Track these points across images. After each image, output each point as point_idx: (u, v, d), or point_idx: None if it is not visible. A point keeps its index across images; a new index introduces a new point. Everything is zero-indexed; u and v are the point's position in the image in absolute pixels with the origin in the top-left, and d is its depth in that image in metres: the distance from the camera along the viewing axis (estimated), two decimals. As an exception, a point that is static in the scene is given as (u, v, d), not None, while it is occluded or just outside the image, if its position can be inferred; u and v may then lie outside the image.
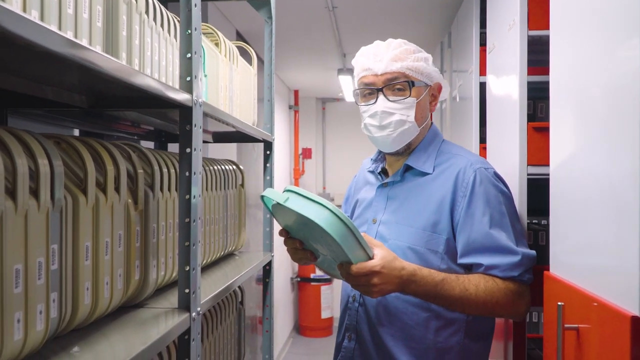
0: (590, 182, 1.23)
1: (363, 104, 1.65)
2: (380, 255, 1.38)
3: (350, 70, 5.14)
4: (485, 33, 2.43)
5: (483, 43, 2.67)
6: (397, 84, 1.60)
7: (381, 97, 1.61)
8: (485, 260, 1.51)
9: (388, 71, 1.59)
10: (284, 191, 1.34)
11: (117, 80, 0.95)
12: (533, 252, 1.54)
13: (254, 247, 3.99)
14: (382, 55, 1.61)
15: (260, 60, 3.39)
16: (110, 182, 1.07)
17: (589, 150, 1.25)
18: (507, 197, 1.59)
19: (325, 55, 4.83)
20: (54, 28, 0.76)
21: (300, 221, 1.33)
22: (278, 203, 1.32)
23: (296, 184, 6.81)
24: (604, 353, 1.12)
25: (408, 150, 1.67)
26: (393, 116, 1.60)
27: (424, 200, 1.60)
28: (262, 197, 1.41)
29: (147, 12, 1.26)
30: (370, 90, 1.63)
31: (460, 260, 1.55)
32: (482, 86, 2.64)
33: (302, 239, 1.44)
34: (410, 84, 1.60)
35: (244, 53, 2.24)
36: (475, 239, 1.52)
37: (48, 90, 1.17)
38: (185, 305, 1.22)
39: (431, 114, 1.72)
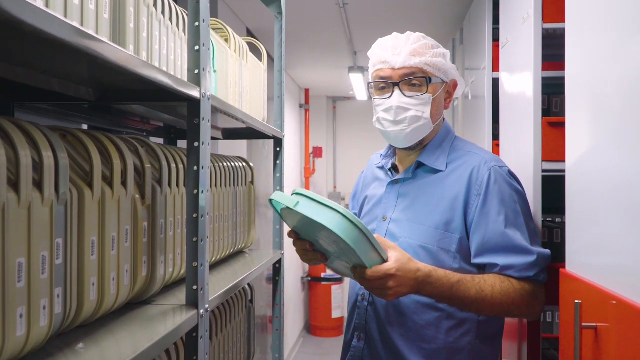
0: (607, 177, 1.19)
1: (377, 97, 1.61)
2: (395, 258, 1.35)
3: (361, 68, 5.11)
4: (498, 29, 2.40)
5: (496, 39, 2.64)
6: (414, 80, 1.55)
7: (397, 91, 1.56)
8: (501, 260, 1.48)
9: (406, 66, 1.55)
10: (292, 194, 1.32)
11: (125, 71, 0.93)
12: (548, 251, 1.51)
13: (263, 245, 3.98)
14: (400, 49, 1.56)
15: (271, 58, 3.37)
16: (116, 176, 1.05)
17: (606, 146, 1.22)
18: (522, 195, 1.55)
19: (336, 53, 4.81)
20: (61, 17, 0.74)
21: (310, 224, 1.30)
22: (287, 207, 1.29)
23: (307, 183, 6.79)
24: (623, 352, 1.09)
25: (420, 146, 1.63)
26: (408, 112, 1.56)
27: (436, 198, 1.56)
28: (271, 200, 1.39)
29: (155, 5, 1.24)
30: (385, 84, 1.58)
31: (475, 260, 1.51)
32: (495, 82, 2.61)
33: (312, 240, 1.41)
34: (428, 80, 1.56)
35: (254, 50, 2.22)
36: (491, 238, 1.49)
37: (55, 83, 1.16)
38: (193, 302, 1.20)
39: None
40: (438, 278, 1.41)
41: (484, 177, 1.52)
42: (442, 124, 1.67)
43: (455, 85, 1.66)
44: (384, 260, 1.35)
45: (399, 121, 1.57)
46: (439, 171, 1.60)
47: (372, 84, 1.62)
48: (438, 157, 1.61)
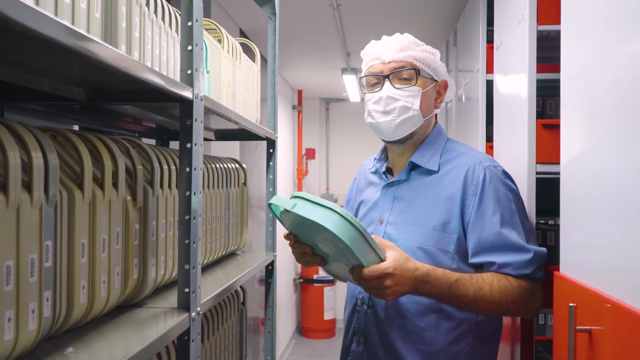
0: (602, 180, 1.19)
1: (368, 92, 1.64)
2: (393, 257, 1.35)
3: (354, 70, 5.11)
4: (492, 31, 2.40)
5: (490, 40, 2.64)
6: (404, 72, 1.59)
7: (387, 83, 1.59)
8: (498, 258, 1.48)
9: (395, 59, 1.59)
10: (291, 197, 1.31)
11: (116, 71, 0.91)
12: (544, 249, 1.52)
13: (256, 247, 3.96)
14: (390, 45, 1.61)
15: (264, 59, 3.35)
16: (107, 177, 1.03)
17: (600, 149, 1.21)
18: (516, 194, 1.56)
19: (329, 54, 4.80)
20: (51, 15, 0.73)
21: (308, 226, 1.30)
22: (285, 209, 1.28)
23: (299, 185, 6.77)
24: (618, 356, 1.08)
25: (413, 145, 1.64)
26: (398, 102, 1.58)
27: (432, 199, 1.57)
28: (270, 205, 1.38)
29: (147, 4, 1.23)
30: (377, 80, 1.62)
31: (472, 260, 1.52)
32: (489, 84, 2.61)
33: (311, 244, 1.40)
34: (417, 72, 1.59)
35: (247, 51, 2.21)
36: (487, 238, 1.49)
37: (45, 83, 1.14)
38: (184, 305, 1.18)
39: (436, 113, 1.69)
40: (436, 277, 1.41)
41: (479, 177, 1.53)
42: (434, 125, 1.68)
43: (445, 85, 1.68)
44: (382, 260, 1.34)
45: (388, 111, 1.59)
46: (433, 172, 1.60)
47: (364, 79, 1.66)
48: (430, 157, 1.62)
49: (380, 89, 1.60)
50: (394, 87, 1.59)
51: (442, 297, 1.44)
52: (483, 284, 1.45)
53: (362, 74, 1.68)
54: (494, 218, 1.49)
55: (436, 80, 1.64)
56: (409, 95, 1.58)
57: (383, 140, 1.69)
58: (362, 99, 6.99)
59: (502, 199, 1.51)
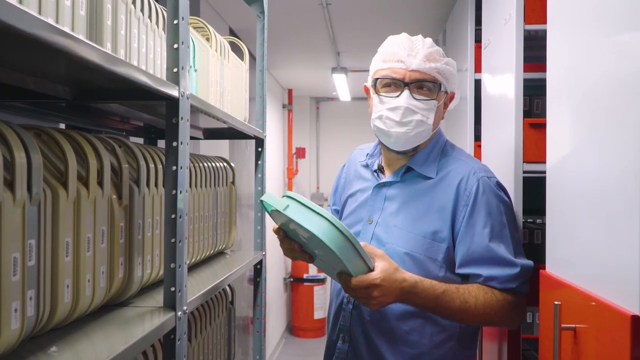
0: (588, 178, 1.20)
1: (384, 94, 1.56)
2: (381, 268, 1.35)
3: (344, 69, 5.10)
4: (480, 30, 2.41)
5: (478, 40, 2.64)
6: (426, 84, 1.54)
7: (406, 92, 1.53)
8: (484, 271, 1.48)
9: (420, 69, 1.52)
10: (283, 196, 1.31)
11: (101, 70, 0.91)
12: (531, 262, 1.52)
13: (246, 246, 3.96)
14: (417, 51, 1.54)
15: (253, 58, 3.34)
16: (92, 175, 1.03)
17: (586, 147, 1.22)
18: (508, 206, 1.56)
19: (319, 53, 4.80)
20: (33, 13, 0.72)
21: (299, 228, 1.30)
22: (277, 210, 1.29)
23: (289, 184, 6.77)
24: (602, 353, 1.09)
25: (413, 151, 1.61)
26: (415, 115, 1.53)
27: (425, 206, 1.55)
28: (262, 201, 1.39)
29: (134, 2, 1.22)
30: (394, 83, 1.55)
31: (459, 270, 1.52)
32: (477, 83, 2.62)
33: (300, 241, 1.40)
34: (438, 86, 1.55)
35: (236, 49, 2.20)
36: (475, 250, 1.49)
37: (30, 81, 1.13)
38: (170, 304, 1.18)
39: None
40: (424, 289, 1.41)
41: (472, 188, 1.52)
42: (437, 131, 1.65)
43: (452, 96, 1.64)
44: (370, 269, 1.34)
45: (404, 123, 1.53)
46: (428, 177, 1.58)
47: (379, 80, 1.58)
48: (429, 164, 1.60)
49: (399, 96, 1.53)
50: (414, 97, 1.53)
51: (427, 308, 1.45)
52: (469, 296, 1.45)
53: (376, 72, 1.59)
54: (484, 231, 1.49)
55: (447, 92, 1.60)
56: (426, 109, 1.54)
57: (387, 147, 1.62)
58: (354, 98, 7.03)
59: (493, 212, 1.51)
